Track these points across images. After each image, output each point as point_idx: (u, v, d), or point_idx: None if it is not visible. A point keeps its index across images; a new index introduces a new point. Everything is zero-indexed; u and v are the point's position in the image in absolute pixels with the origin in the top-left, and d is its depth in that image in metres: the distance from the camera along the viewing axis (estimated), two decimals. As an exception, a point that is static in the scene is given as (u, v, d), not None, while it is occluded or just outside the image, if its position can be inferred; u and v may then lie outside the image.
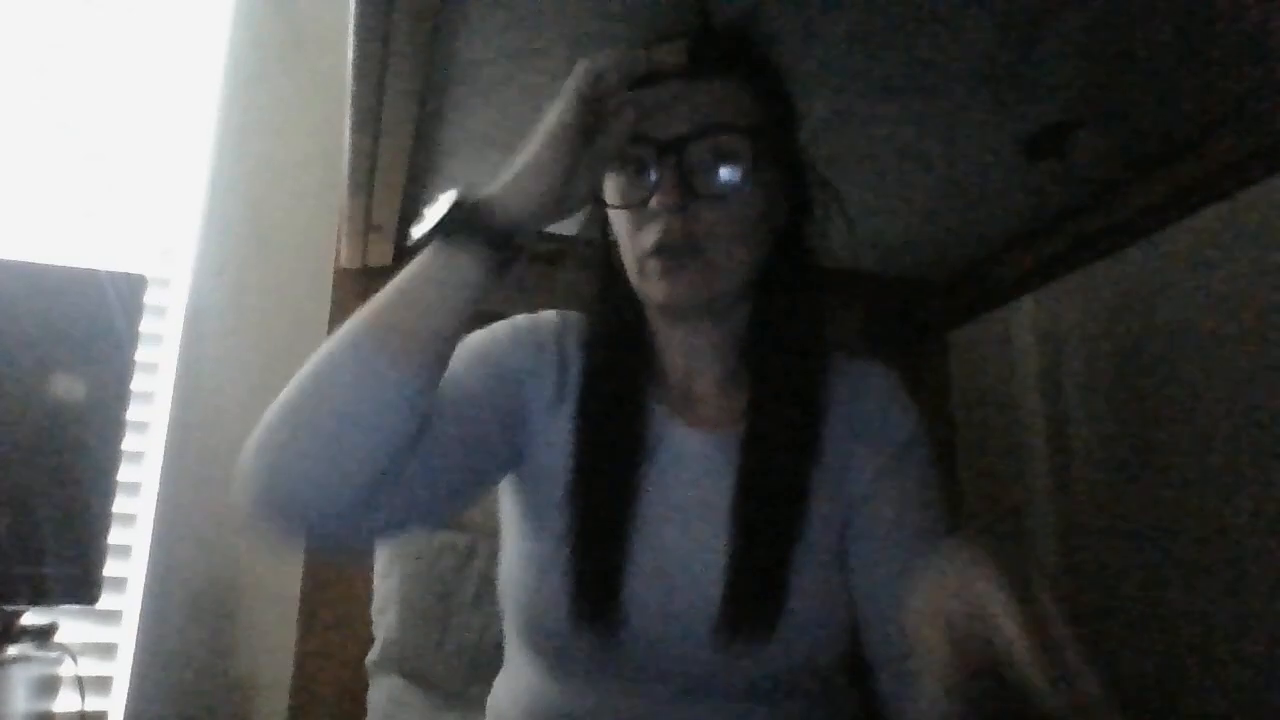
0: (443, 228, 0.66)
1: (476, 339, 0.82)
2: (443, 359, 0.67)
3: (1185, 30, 0.88)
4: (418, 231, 0.68)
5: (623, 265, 0.80)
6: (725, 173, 0.73)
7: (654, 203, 0.73)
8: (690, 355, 0.83)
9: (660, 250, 0.74)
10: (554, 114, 0.70)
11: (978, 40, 0.90)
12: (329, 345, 0.65)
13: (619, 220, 0.78)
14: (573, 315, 0.86)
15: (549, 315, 0.87)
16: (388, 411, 0.63)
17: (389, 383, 0.63)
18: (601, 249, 0.84)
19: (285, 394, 0.65)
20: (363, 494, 0.64)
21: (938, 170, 1.16)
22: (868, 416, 0.83)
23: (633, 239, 0.76)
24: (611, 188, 0.77)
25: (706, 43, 0.77)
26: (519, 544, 0.81)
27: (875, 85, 0.98)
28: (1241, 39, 0.90)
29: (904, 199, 1.24)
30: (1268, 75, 0.95)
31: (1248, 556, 1.26)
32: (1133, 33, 0.89)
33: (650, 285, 0.76)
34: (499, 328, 0.84)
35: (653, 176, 0.73)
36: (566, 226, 0.86)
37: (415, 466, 0.68)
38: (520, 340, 0.82)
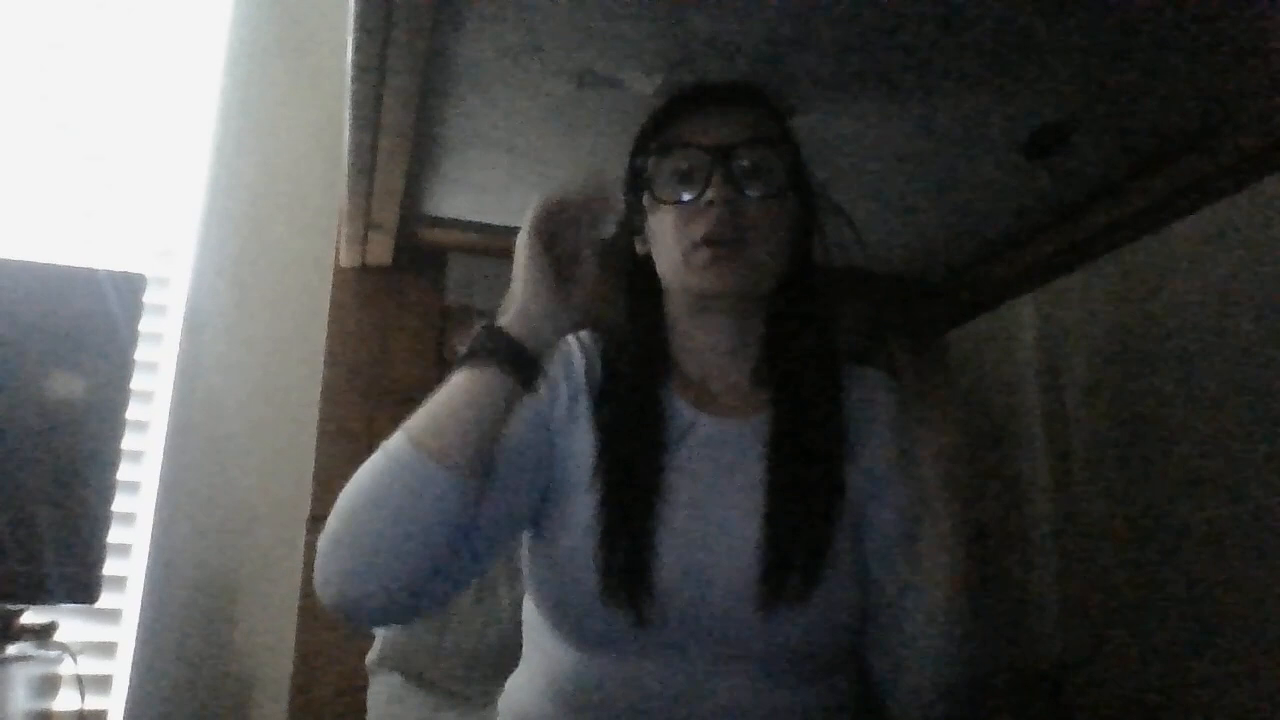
0: (471, 353, 0.75)
1: None
2: (486, 455, 0.74)
3: (1185, 30, 0.88)
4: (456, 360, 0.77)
5: (649, 264, 0.89)
6: (765, 179, 0.84)
7: (708, 196, 0.82)
8: (708, 354, 0.90)
9: (710, 240, 0.82)
10: (518, 253, 0.77)
11: (978, 40, 0.90)
12: (378, 461, 0.72)
13: (663, 217, 0.86)
14: (582, 334, 0.92)
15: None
16: (444, 509, 0.70)
17: (442, 484, 0.70)
18: (625, 251, 0.92)
19: (343, 505, 0.72)
20: (428, 575, 0.71)
21: (938, 170, 1.16)
22: (879, 426, 0.89)
23: (680, 232, 0.84)
24: (657, 188, 0.86)
25: (732, 82, 0.92)
26: (545, 536, 0.84)
27: (875, 85, 0.98)
28: (1241, 39, 0.90)
29: (904, 199, 1.24)
30: (1268, 75, 0.95)
31: (1248, 556, 1.26)
32: (1133, 32, 0.89)
33: (695, 275, 0.84)
34: None
35: (701, 177, 0.83)
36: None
37: (474, 531, 0.75)
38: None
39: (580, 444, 0.85)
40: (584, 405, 0.87)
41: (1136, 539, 1.45)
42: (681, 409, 0.87)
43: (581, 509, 0.81)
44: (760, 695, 0.78)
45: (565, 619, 0.81)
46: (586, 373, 0.89)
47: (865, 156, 1.13)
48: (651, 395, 0.87)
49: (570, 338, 0.91)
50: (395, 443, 0.72)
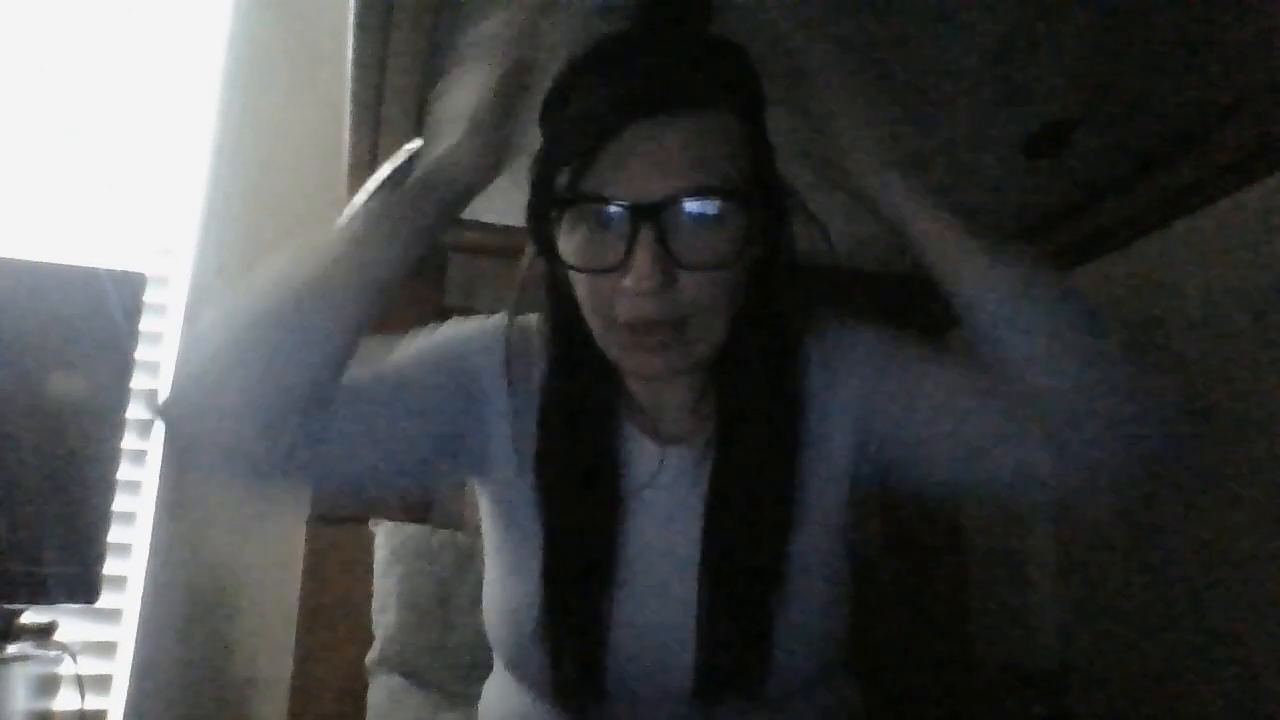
0: (396, 180, 0.65)
1: (442, 333, 0.77)
2: (377, 306, 0.65)
3: (1185, 29, 0.88)
4: (373, 183, 0.69)
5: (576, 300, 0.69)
6: (715, 241, 0.61)
7: (628, 283, 0.60)
8: (649, 384, 0.75)
9: (635, 327, 0.63)
10: (484, 76, 0.68)
11: (978, 40, 0.90)
12: (269, 291, 0.64)
13: (576, 276, 0.66)
14: (531, 322, 0.77)
15: (503, 324, 0.77)
16: (317, 357, 0.62)
17: (324, 333, 0.62)
18: (547, 270, 0.73)
19: (221, 326, 0.66)
20: (284, 425, 0.62)
21: (938, 170, 1.16)
22: (846, 376, 0.77)
23: (596, 300, 0.65)
24: (568, 240, 0.64)
25: (697, 59, 0.65)
26: (498, 575, 0.77)
27: (875, 85, 0.98)
28: (1241, 39, 0.90)
29: (904, 198, 1.24)
30: (1268, 75, 0.95)
31: (1249, 556, 1.26)
32: (1133, 32, 0.89)
33: (616, 352, 0.67)
34: (468, 326, 0.77)
35: (619, 243, 0.61)
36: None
37: (339, 427, 0.65)
38: (486, 342, 0.75)
39: (525, 459, 0.72)
40: (532, 412, 0.73)
41: (1137, 538, 1.45)
42: (629, 438, 0.73)
43: (527, 557, 0.72)
44: None
45: (518, 675, 0.76)
46: (540, 377, 0.74)
47: (865, 156, 1.13)
48: (600, 433, 0.72)
49: (531, 325, 0.75)
50: (291, 273, 0.64)
